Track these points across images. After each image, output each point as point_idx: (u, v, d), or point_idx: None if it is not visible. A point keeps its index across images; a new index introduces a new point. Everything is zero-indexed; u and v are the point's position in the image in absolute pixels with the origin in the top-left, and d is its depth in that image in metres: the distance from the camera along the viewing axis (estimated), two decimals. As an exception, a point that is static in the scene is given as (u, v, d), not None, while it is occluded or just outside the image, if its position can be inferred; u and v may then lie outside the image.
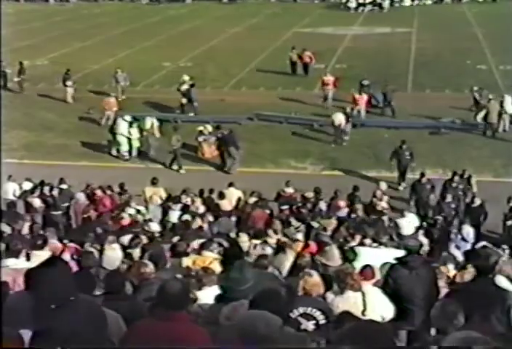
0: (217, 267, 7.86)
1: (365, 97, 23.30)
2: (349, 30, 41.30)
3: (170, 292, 4.33)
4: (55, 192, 15.61)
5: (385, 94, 23.77)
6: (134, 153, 20.80)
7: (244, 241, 10.26)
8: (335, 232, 11.92)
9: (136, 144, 20.76)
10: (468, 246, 12.49)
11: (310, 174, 19.38)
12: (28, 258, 7.88)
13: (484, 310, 5.53)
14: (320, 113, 23.79)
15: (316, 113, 23.83)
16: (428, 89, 26.86)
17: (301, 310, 5.86)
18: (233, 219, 14.10)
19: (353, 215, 13.47)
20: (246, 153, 19.77)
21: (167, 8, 53.25)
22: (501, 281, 6.32)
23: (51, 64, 32.67)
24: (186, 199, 14.66)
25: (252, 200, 14.78)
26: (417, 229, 12.85)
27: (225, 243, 9.68)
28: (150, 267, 6.94)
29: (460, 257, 10.61)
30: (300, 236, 11.83)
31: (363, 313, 6.19)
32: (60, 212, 15.33)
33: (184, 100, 24.06)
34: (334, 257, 8.07)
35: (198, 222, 12.75)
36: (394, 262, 7.02)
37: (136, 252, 9.21)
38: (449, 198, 14.91)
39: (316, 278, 6.25)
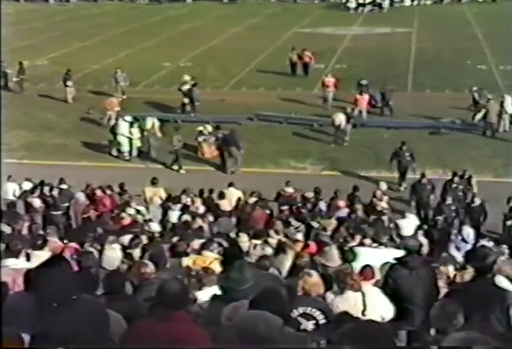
0: (217, 267, 7.86)
1: (366, 97, 23.31)
2: (349, 30, 41.30)
3: (169, 292, 4.32)
4: (55, 192, 15.61)
5: (383, 93, 23.80)
6: (135, 153, 20.81)
7: (244, 241, 10.25)
8: (335, 232, 11.92)
9: (137, 144, 20.78)
10: (469, 247, 12.46)
11: (310, 174, 19.38)
12: (28, 258, 7.88)
13: (483, 310, 5.53)
14: (320, 113, 23.79)
15: (315, 113, 23.83)
16: (427, 89, 26.87)
17: (301, 310, 5.87)
18: (233, 219, 14.10)
19: (353, 215, 13.47)
20: (246, 153, 19.77)
21: (167, 8, 53.24)
22: (501, 281, 6.32)
23: (51, 64, 32.67)
24: (186, 199, 14.67)
25: (252, 200, 14.79)
26: (417, 229, 12.84)
27: (225, 244, 9.68)
28: (150, 268, 6.95)
29: (460, 258, 10.59)
30: (299, 236, 11.84)
31: (363, 313, 6.19)
32: (60, 212, 15.33)
33: (186, 100, 24.08)
34: (333, 258, 8.07)
35: (198, 222, 12.75)
36: (394, 262, 7.03)
37: (136, 252, 9.21)
38: (449, 200, 14.90)
39: (315, 278, 6.25)
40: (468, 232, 13.13)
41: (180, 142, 19.54)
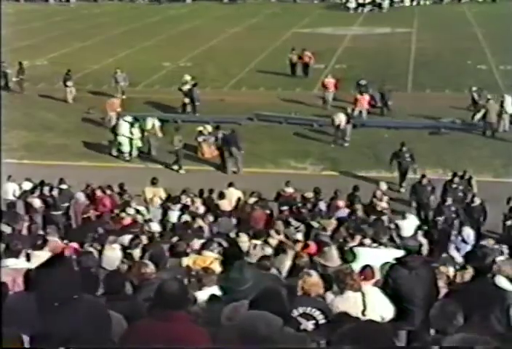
0: (217, 268, 7.86)
1: (366, 97, 23.32)
2: (349, 30, 41.31)
3: (168, 292, 4.31)
4: (55, 192, 15.61)
5: (382, 93, 23.82)
6: (135, 153, 20.81)
7: (244, 241, 10.25)
8: (335, 232, 11.92)
9: (138, 144, 20.78)
10: (469, 248, 12.46)
11: (310, 174, 19.37)
12: (28, 258, 7.88)
13: (483, 310, 5.54)
14: (320, 113, 23.78)
15: (315, 114, 23.82)
16: (428, 89, 26.88)
17: (300, 309, 5.87)
18: (233, 219, 14.10)
19: (352, 215, 13.46)
20: (246, 153, 19.76)
21: (167, 8, 53.25)
22: (501, 281, 6.32)
23: (51, 64, 32.67)
24: (186, 199, 14.67)
25: (252, 200, 14.78)
26: (417, 230, 12.83)
27: (225, 244, 9.68)
28: (150, 268, 6.94)
29: (460, 259, 10.59)
30: (299, 236, 11.85)
31: (363, 313, 6.19)
32: (60, 212, 15.33)
33: (186, 100, 24.09)
34: (332, 258, 8.07)
35: (198, 222, 12.76)
36: (394, 262, 7.03)
37: (136, 252, 9.21)
38: (449, 200, 14.88)
39: (315, 278, 6.25)
40: (468, 233, 13.11)
41: (180, 142, 19.55)
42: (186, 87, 24.24)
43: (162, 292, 4.34)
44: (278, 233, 11.33)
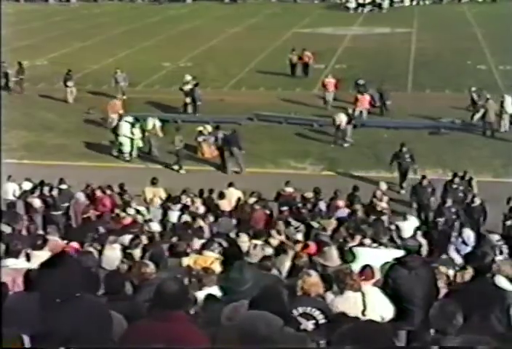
0: (218, 268, 7.87)
1: (367, 97, 23.32)
2: (349, 30, 41.32)
3: (167, 292, 4.30)
4: (55, 192, 15.61)
5: (380, 93, 23.82)
6: (135, 153, 20.81)
7: (244, 241, 10.26)
8: (335, 232, 11.92)
9: (139, 144, 20.79)
10: (469, 250, 12.43)
11: (310, 174, 19.37)
12: (28, 258, 7.88)
13: (483, 310, 5.54)
14: (320, 113, 23.78)
15: (315, 114, 23.82)
16: (427, 89, 26.88)
17: (300, 309, 5.87)
18: (233, 219, 14.10)
19: (352, 215, 13.46)
20: (246, 153, 19.76)
21: (167, 8, 53.26)
22: (500, 281, 6.33)
23: (51, 64, 32.68)
24: (186, 199, 14.67)
25: (252, 200, 14.78)
26: (416, 230, 12.81)
27: (225, 244, 9.68)
28: (150, 268, 6.95)
29: (459, 260, 10.58)
30: (299, 236, 11.85)
31: (363, 313, 6.19)
32: (60, 212, 15.33)
33: (188, 100, 24.08)
34: (332, 258, 8.08)
35: (198, 222, 12.75)
36: (394, 262, 7.03)
37: (137, 252, 9.21)
38: (449, 202, 14.86)
39: (314, 277, 6.25)
40: (469, 234, 13.07)
41: (181, 142, 19.55)
42: (188, 87, 24.22)
43: (161, 292, 4.33)
44: (279, 233, 11.32)
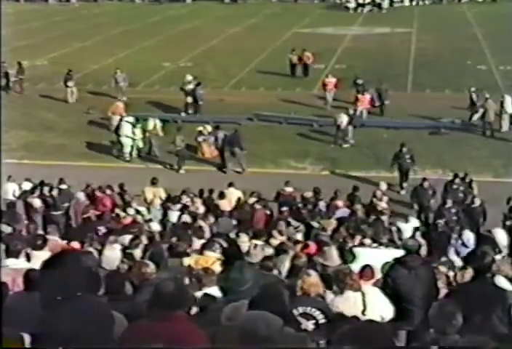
0: (218, 268, 7.86)
1: (368, 97, 23.32)
2: (349, 30, 41.32)
3: (165, 292, 4.29)
4: (55, 192, 15.61)
5: (379, 93, 23.82)
6: (135, 153, 20.81)
7: (244, 241, 10.25)
8: (335, 232, 11.92)
9: (140, 144, 20.79)
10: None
11: (310, 174, 19.38)
12: (28, 258, 7.89)
13: (483, 310, 5.53)
14: (320, 113, 23.79)
15: (315, 114, 23.83)
16: (427, 89, 26.88)
17: (301, 309, 5.87)
18: (233, 219, 14.10)
19: (352, 215, 13.45)
20: (246, 153, 19.76)
21: (167, 8, 53.24)
22: (500, 281, 6.33)
23: (51, 64, 32.68)
24: (186, 199, 14.67)
25: (252, 200, 14.79)
26: (415, 231, 12.80)
27: (224, 244, 9.68)
28: (151, 268, 6.95)
29: (459, 262, 10.56)
30: (299, 236, 11.84)
31: (363, 312, 6.20)
32: (60, 212, 15.33)
33: (189, 100, 24.07)
34: (332, 258, 8.08)
35: (199, 222, 12.75)
36: (393, 262, 7.03)
37: (137, 252, 9.21)
38: (449, 203, 14.84)
39: (314, 277, 6.25)
40: (469, 236, 13.04)
41: (183, 142, 19.56)
42: (189, 87, 24.20)
43: (159, 292, 4.33)
44: (281, 233, 11.31)
